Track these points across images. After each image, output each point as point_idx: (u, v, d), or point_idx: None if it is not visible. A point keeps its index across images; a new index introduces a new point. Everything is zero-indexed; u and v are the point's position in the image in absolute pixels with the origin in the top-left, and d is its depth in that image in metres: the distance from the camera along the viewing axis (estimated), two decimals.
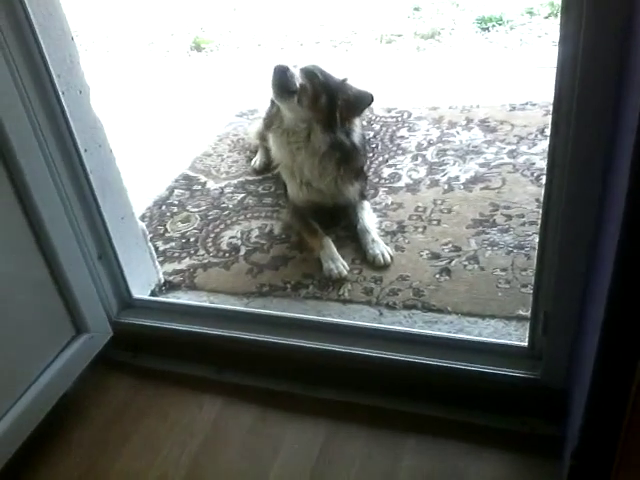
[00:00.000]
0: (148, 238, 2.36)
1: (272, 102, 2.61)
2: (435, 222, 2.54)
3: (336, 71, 2.59)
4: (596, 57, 1.27)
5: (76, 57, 1.93)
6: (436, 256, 2.36)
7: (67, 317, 2.01)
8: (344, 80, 2.53)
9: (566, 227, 1.50)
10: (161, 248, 2.63)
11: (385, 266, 2.35)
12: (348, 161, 2.56)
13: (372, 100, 2.54)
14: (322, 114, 2.47)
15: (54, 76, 1.81)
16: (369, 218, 2.56)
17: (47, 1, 1.80)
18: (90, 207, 2.02)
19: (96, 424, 2.04)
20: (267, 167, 3.05)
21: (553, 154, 1.47)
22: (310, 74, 2.48)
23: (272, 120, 2.63)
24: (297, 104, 2.45)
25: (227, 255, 2.55)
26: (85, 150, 1.96)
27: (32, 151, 1.80)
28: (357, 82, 2.57)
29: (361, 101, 2.53)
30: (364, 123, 2.70)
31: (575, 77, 1.31)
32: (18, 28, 1.71)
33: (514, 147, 2.93)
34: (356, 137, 2.57)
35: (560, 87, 1.37)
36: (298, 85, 2.41)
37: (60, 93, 1.84)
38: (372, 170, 2.94)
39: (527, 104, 3.26)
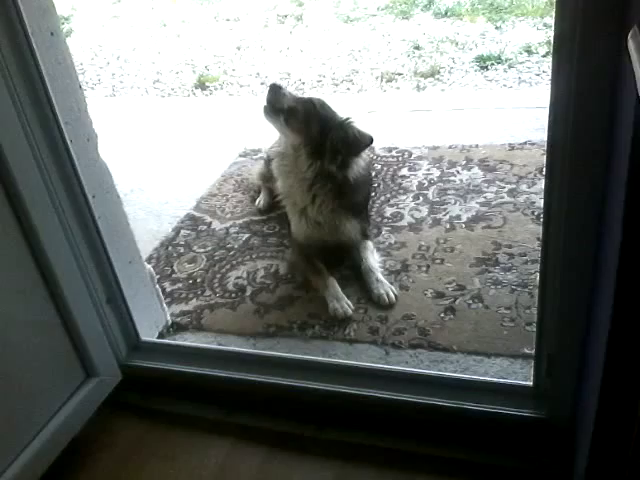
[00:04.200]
0: (155, 280, 2.39)
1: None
2: (438, 261, 2.57)
3: (339, 109, 2.64)
4: (588, 97, 1.30)
5: (83, 105, 1.97)
6: (440, 295, 2.39)
7: (77, 361, 2.02)
8: (347, 119, 2.56)
9: (566, 268, 1.53)
10: (168, 289, 2.66)
11: (390, 305, 2.37)
12: (342, 195, 2.59)
13: (371, 142, 2.56)
14: (311, 141, 2.52)
15: (62, 125, 1.84)
16: (373, 258, 2.59)
17: (56, 50, 1.84)
18: (98, 252, 2.04)
19: (104, 467, 2.04)
20: (271, 207, 3.10)
21: (549, 195, 1.51)
22: (307, 101, 2.57)
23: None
24: (284, 124, 2.53)
25: (233, 296, 2.58)
26: (93, 196, 1.98)
27: (41, 198, 1.82)
28: (358, 121, 2.59)
29: (359, 142, 2.54)
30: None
31: (568, 117, 1.34)
32: (28, 77, 1.74)
33: (514, 186, 2.98)
34: (351, 173, 2.56)
35: (553, 128, 1.41)
36: (286, 105, 2.49)
37: (68, 141, 1.87)
38: (375, 209, 2.97)
39: (526, 143, 3.32)
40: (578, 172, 1.40)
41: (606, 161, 1.33)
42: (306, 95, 2.62)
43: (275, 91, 2.58)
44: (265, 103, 2.59)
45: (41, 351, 1.92)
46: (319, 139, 2.51)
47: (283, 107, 2.54)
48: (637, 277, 1.13)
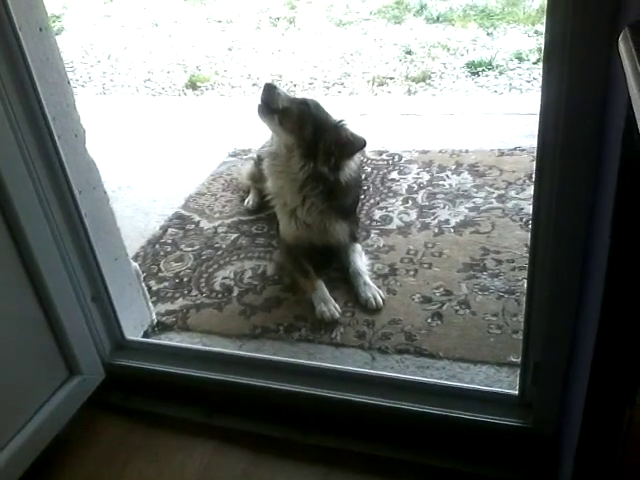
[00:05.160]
0: (142, 279, 2.36)
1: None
2: (426, 265, 2.57)
3: (330, 112, 2.63)
4: (578, 103, 1.30)
5: (72, 101, 1.95)
6: (427, 300, 2.38)
7: (60, 359, 2.00)
8: (340, 121, 2.56)
9: (554, 275, 1.53)
10: (154, 288, 2.63)
11: (377, 309, 2.36)
12: (333, 197, 2.58)
13: (364, 145, 2.56)
14: (304, 142, 2.51)
15: (50, 120, 1.83)
16: (361, 261, 2.58)
17: (45, 46, 1.82)
18: (84, 248, 2.02)
19: (85, 467, 2.01)
20: (260, 207, 3.08)
21: (538, 201, 1.50)
22: (301, 102, 2.57)
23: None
24: (278, 125, 2.53)
25: (220, 296, 2.56)
26: (80, 192, 1.96)
27: (27, 193, 1.80)
28: (350, 123, 2.59)
29: (353, 144, 2.55)
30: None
31: (558, 123, 1.34)
32: (16, 72, 1.73)
33: (503, 192, 2.98)
34: (343, 176, 2.57)
35: (543, 134, 1.41)
36: (281, 105, 2.48)
37: (56, 137, 1.85)
38: (364, 212, 2.96)
39: (516, 149, 3.32)
40: (567, 178, 1.39)
41: (596, 167, 1.33)
42: (299, 96, 2.61)
43: (270, 91, 2.57)
44: (259, 102, 2.58)
45: (24, 347, 1.90)
46: (312, 140, 2.51)
47: (278, 107, 2.53)
48: (625, 286, 1.12)
